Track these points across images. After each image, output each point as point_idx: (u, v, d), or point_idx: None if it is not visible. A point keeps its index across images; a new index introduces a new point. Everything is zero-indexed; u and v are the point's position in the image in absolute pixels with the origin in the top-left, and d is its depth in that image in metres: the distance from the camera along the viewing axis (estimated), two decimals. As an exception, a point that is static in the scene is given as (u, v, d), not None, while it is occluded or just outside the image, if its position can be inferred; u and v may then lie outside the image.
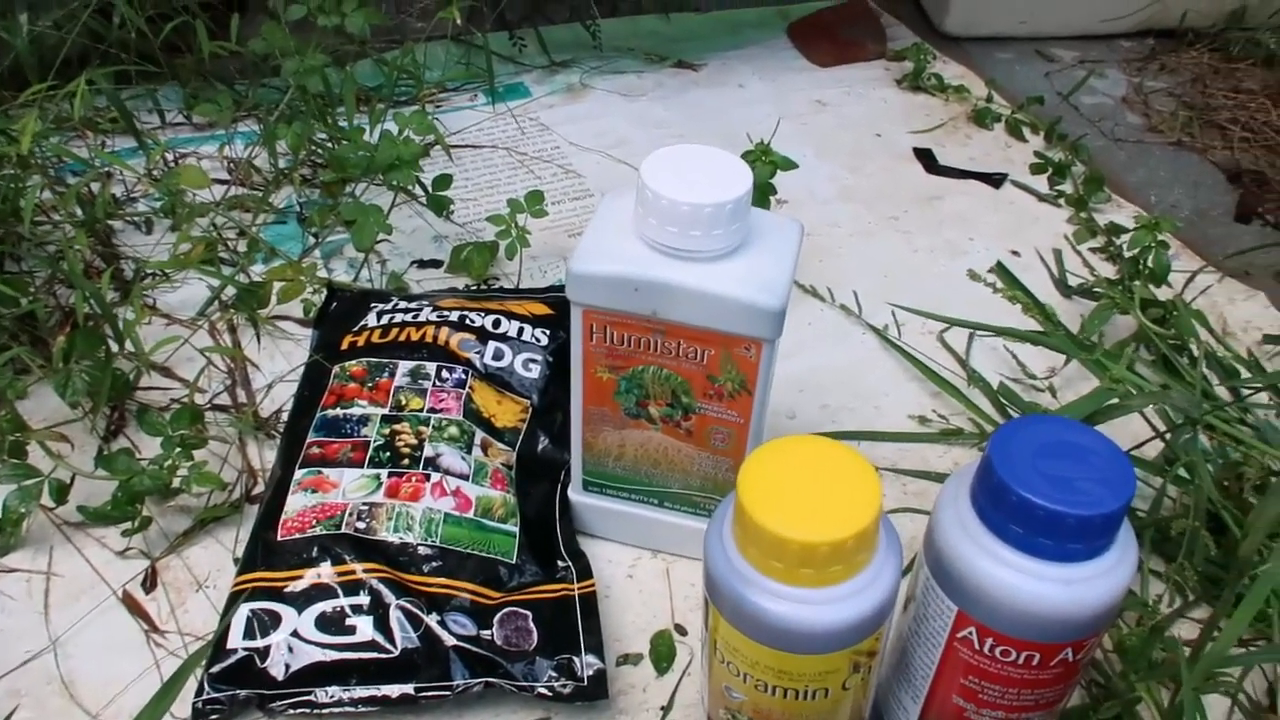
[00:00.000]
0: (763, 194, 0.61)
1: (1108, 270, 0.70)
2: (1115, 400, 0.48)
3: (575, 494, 0.50)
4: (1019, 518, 0.31)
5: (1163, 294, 0.65)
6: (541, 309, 0.59)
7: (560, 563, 0.47)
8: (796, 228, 0.43)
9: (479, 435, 0.51)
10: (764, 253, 0.41)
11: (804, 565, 0.30)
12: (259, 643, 0.43)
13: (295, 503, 0.47)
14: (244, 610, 0.43)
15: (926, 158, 0.82)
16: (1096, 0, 0.97)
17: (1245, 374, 0.60)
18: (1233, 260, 0.72)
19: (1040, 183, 0.79)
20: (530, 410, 0.54)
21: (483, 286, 0.65)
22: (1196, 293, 0.67)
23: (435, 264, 0.67)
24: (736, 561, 0.32)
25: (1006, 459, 0.31)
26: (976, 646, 0.33)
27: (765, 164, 0.60)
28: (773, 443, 0.33)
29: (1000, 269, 0.66)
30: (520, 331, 0.57)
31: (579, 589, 0.46)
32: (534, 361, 0.56)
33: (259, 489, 0.52)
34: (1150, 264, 0.62)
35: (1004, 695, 0.34)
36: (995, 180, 0.79)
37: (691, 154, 0.40)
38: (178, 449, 0.49)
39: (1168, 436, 0.51)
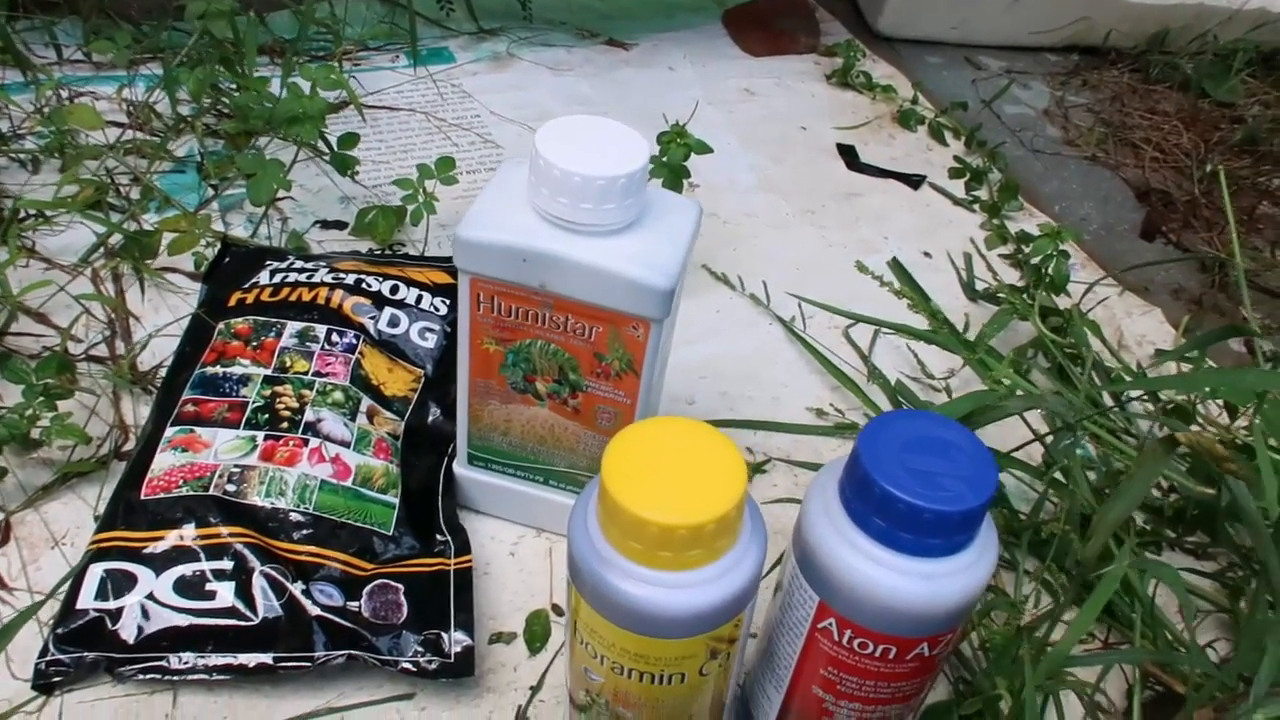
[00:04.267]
0: (676, 176, 0.60)
1: (1014, 276, 0.71)
2: (993, 401, 0.49)
3: (460, 468, 0.48)
4: (881, 510, 0.31)
5: (1065, 303, 0.66)
6: (443, 277, 0.57)
7: (439, 537, 0.46)
8: (695, 208, 0.42)
9: (365, 402, 0.50)
10: (659, 231, 0.40)
11: (662, 548, 0.30)
12: (111, 604, 0.41)
13: (163, 461, 0.45)
14: (97, 570, 0.41)
15: (848, 154, 0.82)
16: (1026, 13, 0.98)
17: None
18: (1133, 275, 0.73)
19: (957, 187, 0.80)
20: (423, 380, 0.53)
21: (386, 251, 0.64)
22: (1095, 303, 0.69)
23: (339, 225, 0.65)
24: (597, 541, 0.31)
25: (873, 451, 0.31)
26: (836, 638, 0.33)
27: (679, 146, 0.59)
28: (643, 423, 0.32)
29: (895, 264, 0.66)
30: (419, 299, 0.55)
31: (455, 564, 0.45)
32: (431, 330, 0.54)
33: (129, 445, 0.50)
34: (1051, 272, 0.63)
35: (861, 687, 0.34)
36: (914, 181, 0.80)
37: (590, 125, 0.39)
38: (40, 398, 0.46)
39: (1048, 440, 0.52)
